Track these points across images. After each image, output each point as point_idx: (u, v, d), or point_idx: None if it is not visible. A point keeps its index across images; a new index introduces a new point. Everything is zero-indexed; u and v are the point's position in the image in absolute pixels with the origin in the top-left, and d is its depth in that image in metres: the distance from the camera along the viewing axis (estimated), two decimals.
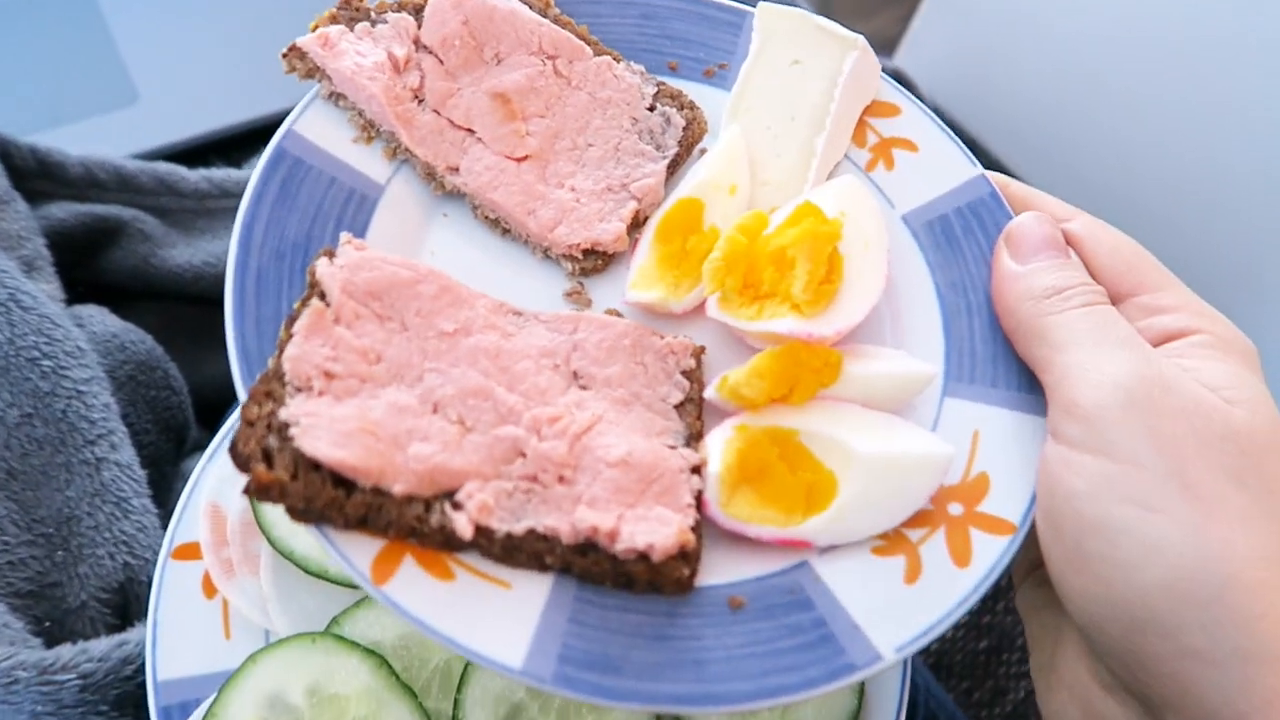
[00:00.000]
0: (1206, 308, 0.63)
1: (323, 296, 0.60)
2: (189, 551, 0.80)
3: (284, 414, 0.54)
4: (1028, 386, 0.66)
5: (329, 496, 0.53)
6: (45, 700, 0.72)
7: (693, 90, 0.77)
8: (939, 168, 0.75)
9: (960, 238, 0.72)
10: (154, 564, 0.83)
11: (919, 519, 0.61)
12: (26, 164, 1.09)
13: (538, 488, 0.57)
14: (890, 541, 0.61)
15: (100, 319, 1.01)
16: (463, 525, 0.54)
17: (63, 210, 1.08)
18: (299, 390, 0.56)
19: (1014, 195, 0.72)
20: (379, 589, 0.53)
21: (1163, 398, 0.56)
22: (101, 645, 0.77)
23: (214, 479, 0.81)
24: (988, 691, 1.20)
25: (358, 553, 0.54)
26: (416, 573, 0.55)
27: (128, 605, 0.88)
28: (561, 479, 0.58)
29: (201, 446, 1.07)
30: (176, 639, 0.77)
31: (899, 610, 0.58)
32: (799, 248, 0.63)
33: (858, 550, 0.60)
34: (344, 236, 0.63)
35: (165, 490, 0.98)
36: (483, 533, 0.55)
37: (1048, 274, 0.65)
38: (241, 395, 0.56)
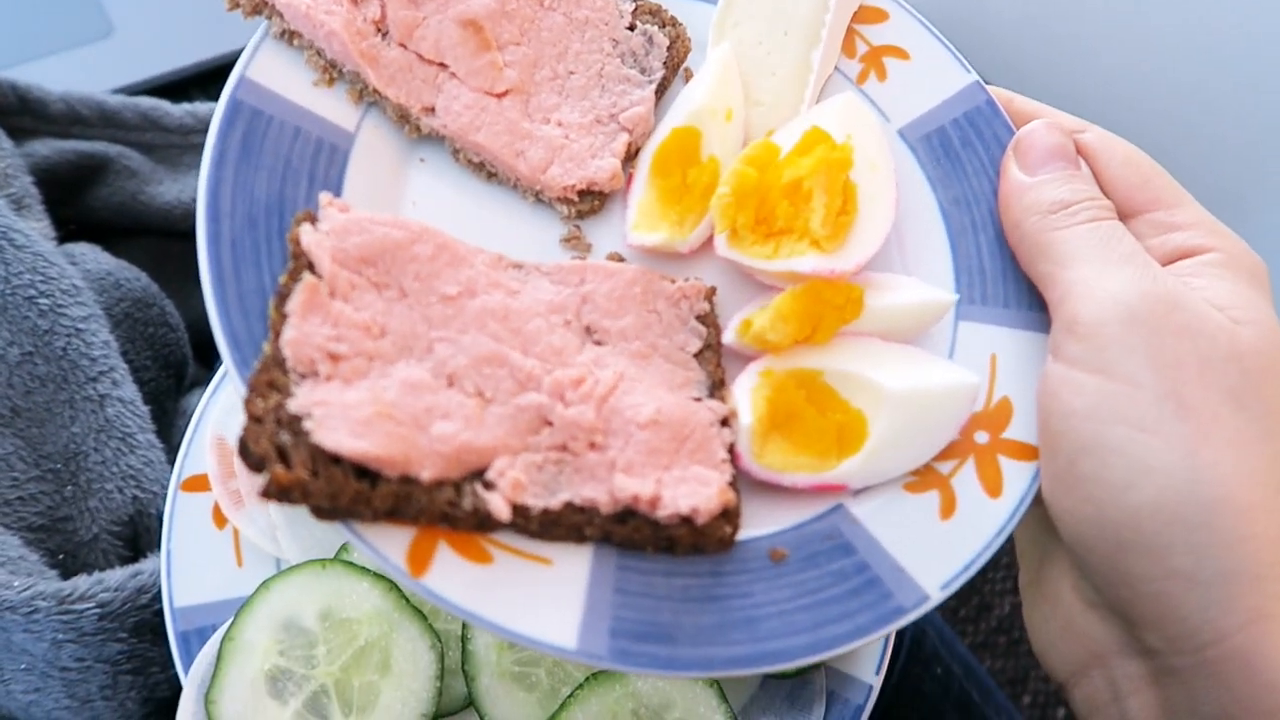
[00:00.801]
0: (1219, 225, 0.62)
1: (311, 268, 0.55)
2: (198, 483, 0.82)
3: (293, 406, 0.50)
4: (1040, 305, 0.65)
5: (354, 491, 0.49)
6: (65, 628, 0.74)
7: (671, 5, 0.71)
8: (933, 77, 0.72)
9: (959, 150, 0.70)
10: (162, 497, 0.87)
11: (948, 451, 0.61)
12: (7, 101, 1.05)
13: (569, 457, 0.54)
14: (921, 477, 0.60)
15: (93, 257, 0.99)
16: (498, 506, 0.51)
17: (46, 147, 1.05)
18: (304, 377, 0.51)
19: (1020, 110, 0.69)
20: (418, 581, 0.50)
21: (1166, 316, 0.56)
22: (117, 575, 0.79)
23: (218, 411, 0.83)
24: (973, 608, 1.25)
25: (390, 546, 0.51)
26: (453, 559, 0.52)
27: (138, 537, 0.90)
28: (593, 445, 0.55)
29: (200, 382, 1.07)
30: (190, 567, 0.79)
31: (939, 547, 0.58)
32: (815, 179, 0.60)
33: (890, 489, 0.60)
34: (324, 197, 0.58)
35: (168, 426, 0.98)
36: (519, 511, 0.52)
37: (1056, 186, 0.63)
38: (239, 387, 0.51)
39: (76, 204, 1.08)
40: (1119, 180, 0.64)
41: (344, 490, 0.49)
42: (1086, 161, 0.66)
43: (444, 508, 0.51)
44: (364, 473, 0.50)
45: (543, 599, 0.52)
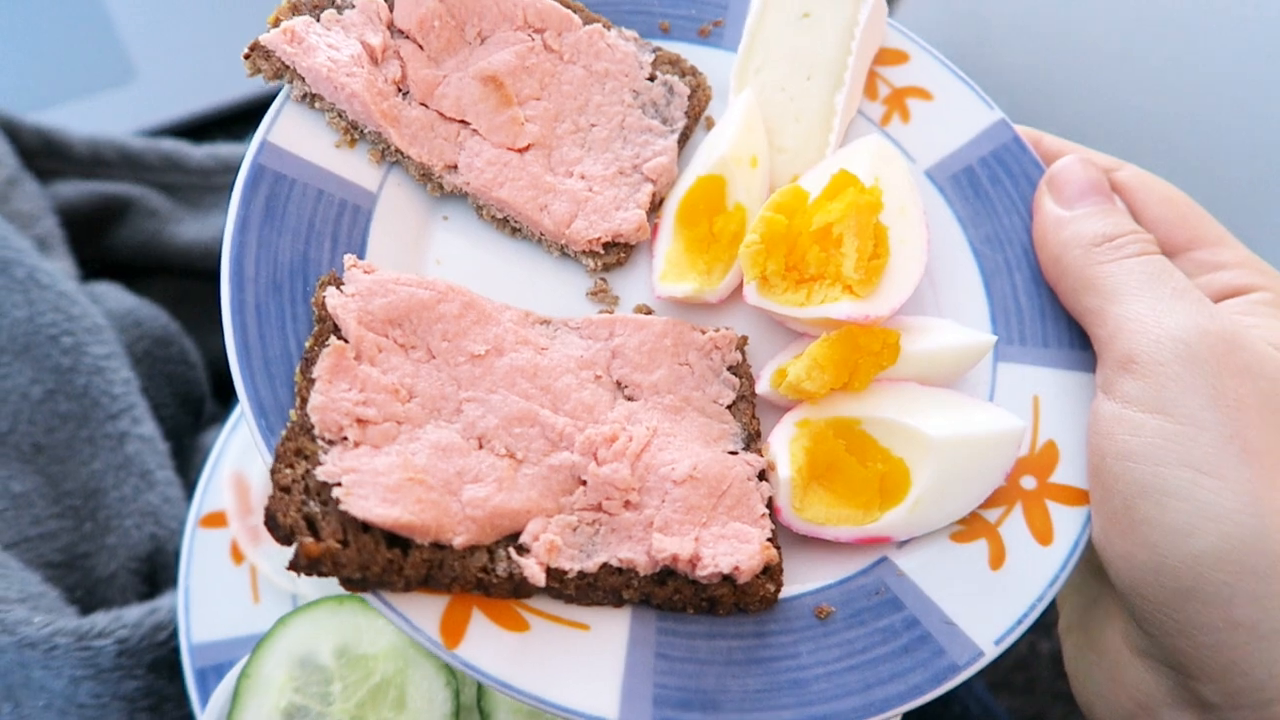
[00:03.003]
0: (1265, 264, 0.61)
1: (337, 331, 0.54)
2: (216, 519, 0.83)
3: (321, 474, 0.48)
4: (1080, 343, 0.63)
5: (385, 560, 0.48)
6: (83, 665, 0.75)
7: (689, 53, 0.71)
8: (957, 116, 0.71)
9: (988, 188, 0.69)
10: (180, 534, 0.87)
11: (994, 498, 0.59)
12: (32, 143, 1.08)
13: (604, 517, 0.53)
14: (968, 526, 0.58)
15: (115, 296, 1.01)
16: (533, 571, 0.50)
17: (71, 189, 1.07)
18: (331, 443, 0.50)
19: (1049, 149, 0.68)
20: (453, 653, 0.49)
21: (1228, 355, 0.54)
22: (135, 612, 0.80)
23: (236, 449, 0.84)
24: None
25: (422, 616, 0.49)
26: (488, 628, 0.50)
27: (155, 574, 0.90)
28: (628, 504, 0.53)
29: (218, 419, 1.08)
30: (207, 604, 0.79)
31: (990, 599, 0.55)
32: (845, 223, 0.59)
33: (937, 539, 0.58)
34: (348, 259, 0.57)
35: (186, 462, 0.99)
36: (555, 575, 0.51)
37: (1096, 220, 0.62)
38: (266, 456, 0.50)
39: (99, 244, 1.10)
40: (1158, 218, 0.63)
41: (375, 559, 0.47)
42: (1123, 199, 0.64)
43: (478, 574, 0.50)
44: (395, 540, 0.49)
45: (582, 668, 0.50)
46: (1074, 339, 0.63)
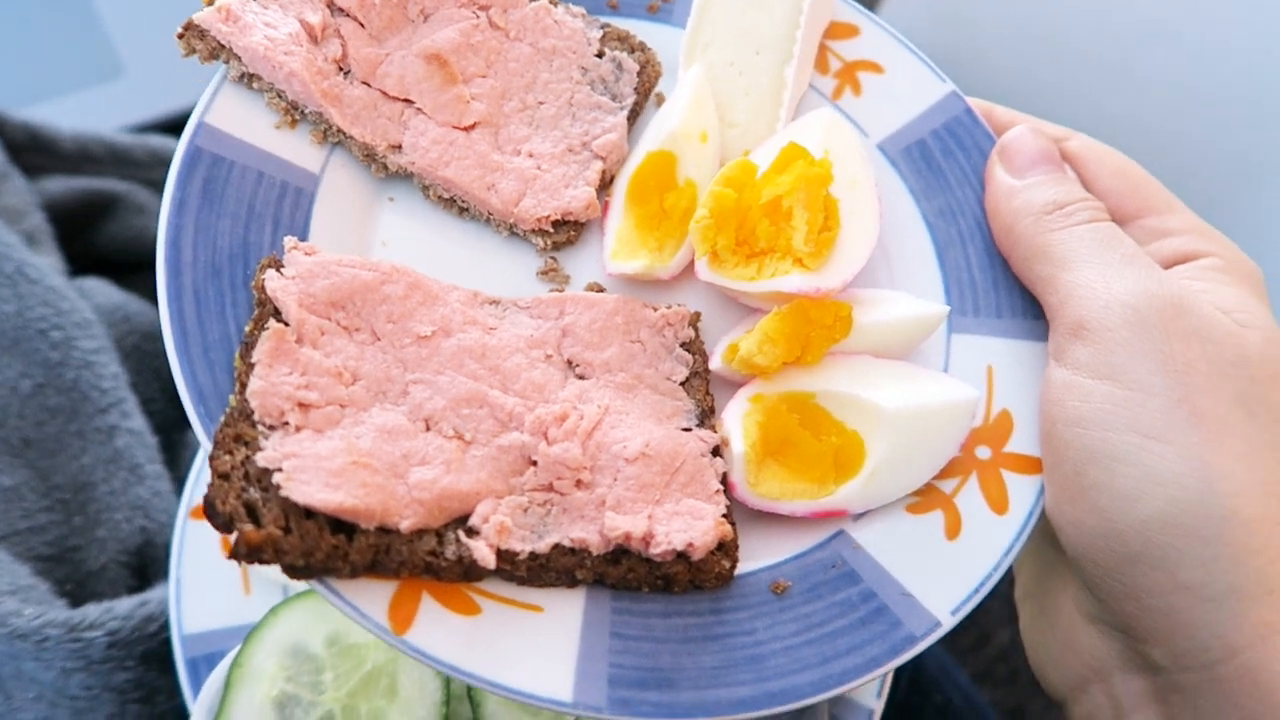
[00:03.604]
0: (1213, 231, 0.61)
1: (278, 315, 0.52)
2: None
3: (262, 459, 0.47)
4: (1034, 313, 0.63)
5: (329, 546, 0.47)
6: (74, 656, 0.75)
7: (638, 30, 0.70)
8: (909, 89, 0.71)
9: (940, 161, 0.69)
10: (170, 527, 0.88)
11: (949, 469, 0.58)
12: (19, 139, 1.07)
13: (556, 497, 0.52)
14: (924, 497, 0.58)
15: (103, 291, 1.01)
16: (483, 553, 0.49)
17: (58, 184, 1.07)
18: (272, 428, 0.49)
19: (1000, 120, 0.68)
20: (401, 639, 0.48)
21: (1175, 319, 0.54)
22: (125, 604, 0.80)
23: None
24: (973, 637, 1.21)
25: (370, 602, 0.48)
26: (439, 612, 0.49)
27: (146, 567, 0.90)
28: (579, 483, 0.53)
29: None
30: (198, 595, 0.79)
31: (946, 569, 0.55)
32: (794, 196, 0.59)
33: (893, 511, 0.57)
34: (288, 241, 0.56)
35: (174, 457, 0.99)
36: (505, 557, 0.50)
37: (1046, 188, 0.62)
38: (205, 442, 0.49)
39: (86, 239, 1.10)
40: (1108, 187, 0.63)
41: (319, 545, 0.46)
42: (1074, 169, 0.64)
43: (426, 558, 0.49)
44: (340, 526, 0.48)
45: (535, 650, 0.49)
46: (1027, 309, 0.63)
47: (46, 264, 0.94)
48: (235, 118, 0.59)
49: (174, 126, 1.24)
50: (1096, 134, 0.68)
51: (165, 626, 0.80)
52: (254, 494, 0.46)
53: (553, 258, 0.63)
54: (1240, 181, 1.34)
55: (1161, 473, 0.51)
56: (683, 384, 0.59)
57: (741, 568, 0.55)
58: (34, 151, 1.09)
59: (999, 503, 0.57)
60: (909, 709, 0.98)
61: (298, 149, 0.61)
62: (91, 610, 0.78)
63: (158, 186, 1.13)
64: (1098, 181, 0.64)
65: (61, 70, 1.28)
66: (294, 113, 0.61)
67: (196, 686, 0.75)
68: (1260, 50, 1.27)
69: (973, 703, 1.02)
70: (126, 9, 1.31)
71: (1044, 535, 0.61)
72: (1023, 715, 1.28)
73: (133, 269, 1.10)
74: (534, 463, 0.52)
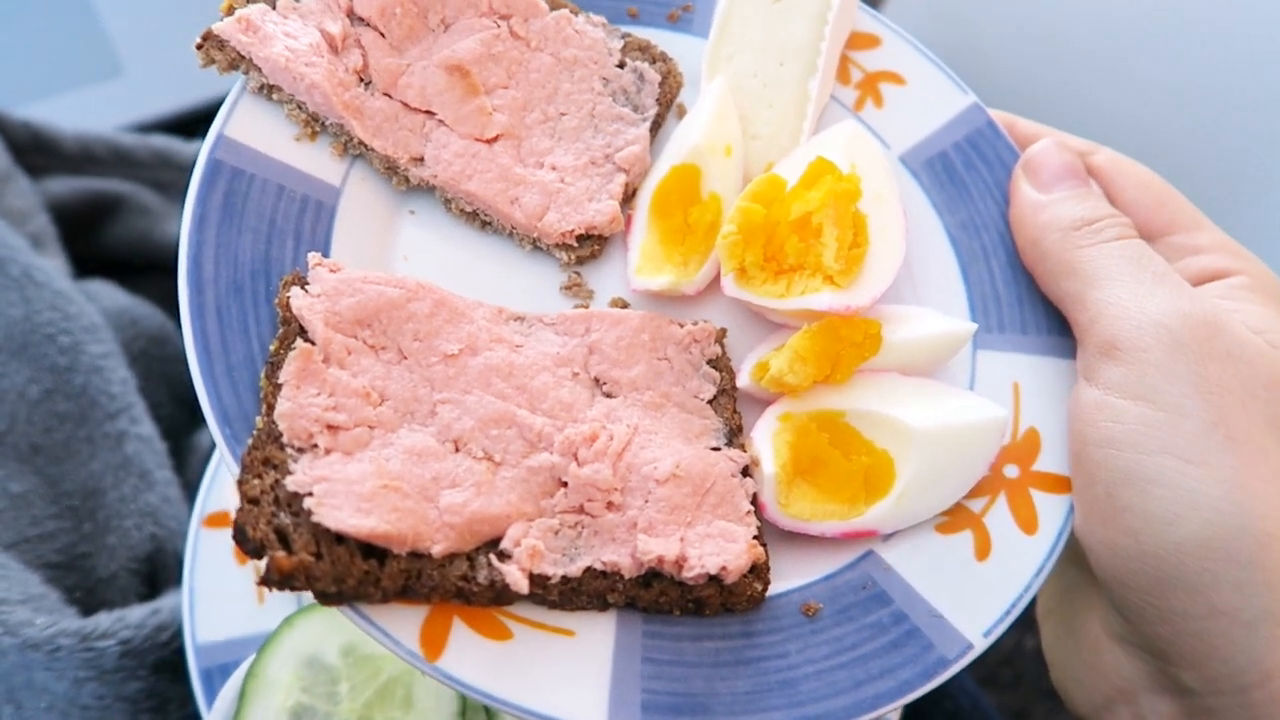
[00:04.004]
0: (1241, 248, 0.61)
1: (304, 333, 0.52)
2: (219, 519, 0.82)
3: (292, 483, 0.46)
4: (1059, 329, 0.63)
5: (361, 571, 0.46)
6: (86, 666, 0.74)
7: (658, 39, 0.69)
8: (930, 100, 0.70)
9: (963, 174, 0.68)
10: (180, 534, 0.86)
11: (978, 488, 0.58)
12: (21, 139, 1.05)
13: (587, 519, 0.51)
14: (953, 517, 0.58)
15: (109, 294, 1.00)
16: (516, 578, 0.48)
17: (61, 185, 1.05)
18: (301, 451, 0.48)
19: (1023, 133, 0.68)
20: (434, 666, 0.47)
21: (1209, 340, 0.54)
22: (138, 613, 0.79)
23: None
24: None
25: (402, 628, 0.47)
26: (470, 638, 0.48)
27: (156, 574, 0.89)
28: (610, 505, 0.52)
29: None
30: (212, 604, 0.79)
31: (977, 590, 0.55)
32: (824, 212, 0.58)
33: (922, 531, 0.57)
34: (313, 258, 0.55)
35: (182, 462, 0.98)
36: (538, 581, 0.49)
37: (1073, 203, 0.61)
38: (232, 467, 0.48)
39: (91, 241, 1.08)
40: (1135, 203, 0.63)
41: (351, 571, 0.46)
42: (1099, 184, 0.64)
43: (458, 583, 0.48)
44: (371, 551, 0.47)
45: (568, 676, 0.49)
46: (1052, 325, 0.63)
47: (53, 266, 0.93)
48: (255, 130, 0.58)
49: (173, 125, 1.22)
50: (1097, 133, 0.67)
51: (177, 635, 0.79)
52: (285, 519, 0.46)
53: (576, 272, 0.62)
54: (1242, 181, 1.34)
55: (1197, 496, 0.50)
56: (710, 402, 0.58)
57: (772, 589, 0.54)
58: (36, 152, 1.07)
59: (1028, 523, 0.57)
60: (919, 714, 0.98)
61: (318, 162, 0.60)
62: (103, 619, 0.77)
63: (162, 187, 1.11)
64: (1122, 195, 0.63)
65: (59, 68, 1.26)
66: (314, 125, 0.60)
67: (211, 697, 0.75)
68: (1262, 48, 1.27)
69: (980, 707, 1.02)
70: (125, 7, 1.30)
71: (1068, 554, 0.60)
72: (1028, 719, 1.29)
73: (138, 271, 1.08)
74: (564, 484, 0.52)
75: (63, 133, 1.08)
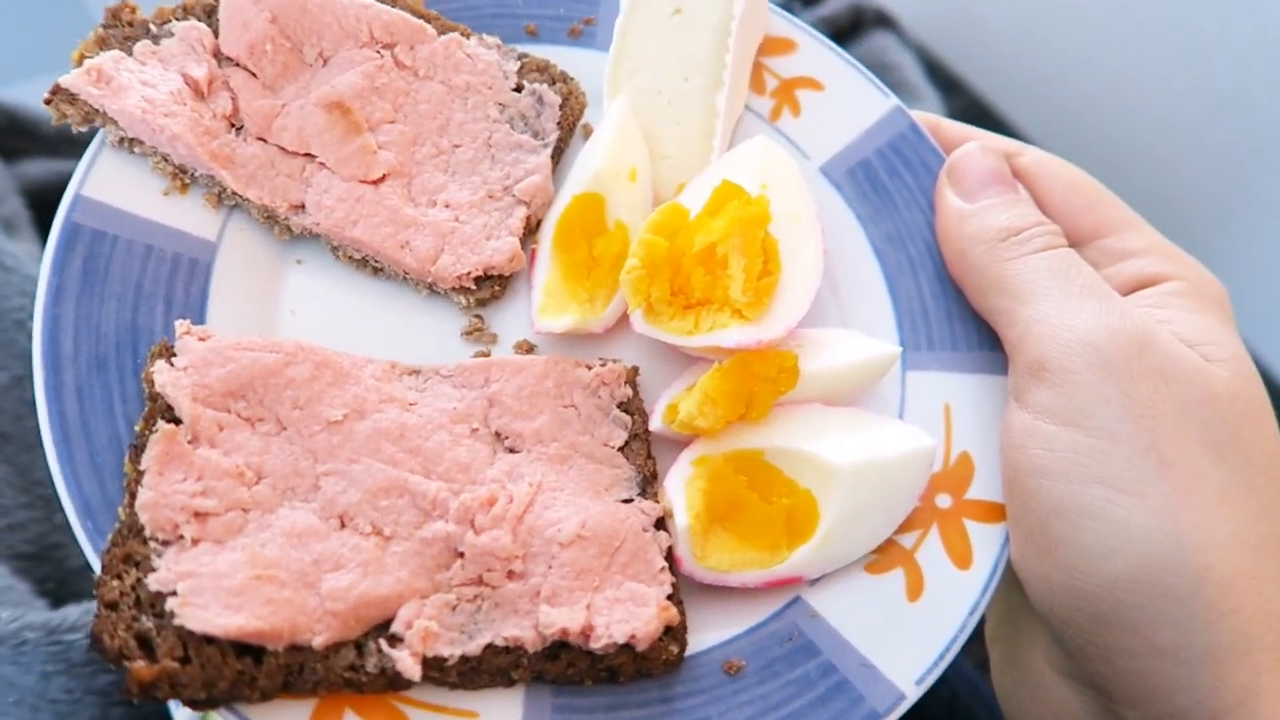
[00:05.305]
0: (1174, 249, 0.57)
1: (170, 411, 0.48)
2: None
3: (154, 582, 0.43)
4: (990, 344, 0.60)
5: (234, 672, 0.43)
6: (54, 660, 0.72)
7: (560, 56, 0.66)
8: (850, 106, 0.67)
9: (886, 182, 0.65)
10: None
11: (908, 521, 0.55)
12: None
13: (486, 591, 0.48)
14: (884, 554, 0.55)
15: None
16: (407, 664, 0.45)
17: (38, 168, 1.02)
18: (166, 544, 0.45)
19: (950, 136, 0.64)
20: None
21: (1139, 358, 0.51)
22: None
23: None
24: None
25: None
26: None
27: None
28: (511, 574, 0.49)
29: None
30: None
31: (909, 635, 0.52)
32: (729, 242, 0.55)
33: (852, 571, 0.54)
34: (179, 325, 0.51)
35: None
36: (433, 664, 0.46)
37: (999, 212, 0.58)
38: (94, 563, 0.45)
39: None
40: (1064, 205, 0.59)
41: (223, 674, 0.42)
42: (1026, 187, 0.61)
43: (345, 674, 0.45)
44: (245, 648, 0.43)
45: None
46: (983, 340, 0.60)
47: (24, 251, 0.90)
48: (117, 187, 0.55)
49: None
50: (1096, 131, 0.64)
51: None
52: (146, 623, 0.42)
53: (478, 315, 0.59)
54: (1243, 175, 1.31)
55: (1130, 528, 0.48)
56: (621, 449, 0.55)
57: (692, 647, 0.51)
58: (13, 135, 1.03)
59: (962, 557, 0.54)
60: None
61: (190, 216, 0.56)
62: (71, 612, 0.74)
63: None
64: (1050, 197, 0.60)
65: (40, 48, 1.19)
66: (184, 176, 0.56)
67: None
68: (1263, 46, 1.24)
69: (978, 691, 1.00)
70: None
71: (1012, 579, 0.58)
72: None
73: None
74: (461, 554, 0.49)
75: (41, 115, 1.04)
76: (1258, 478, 0.49)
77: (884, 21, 1.23)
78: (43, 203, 1.00)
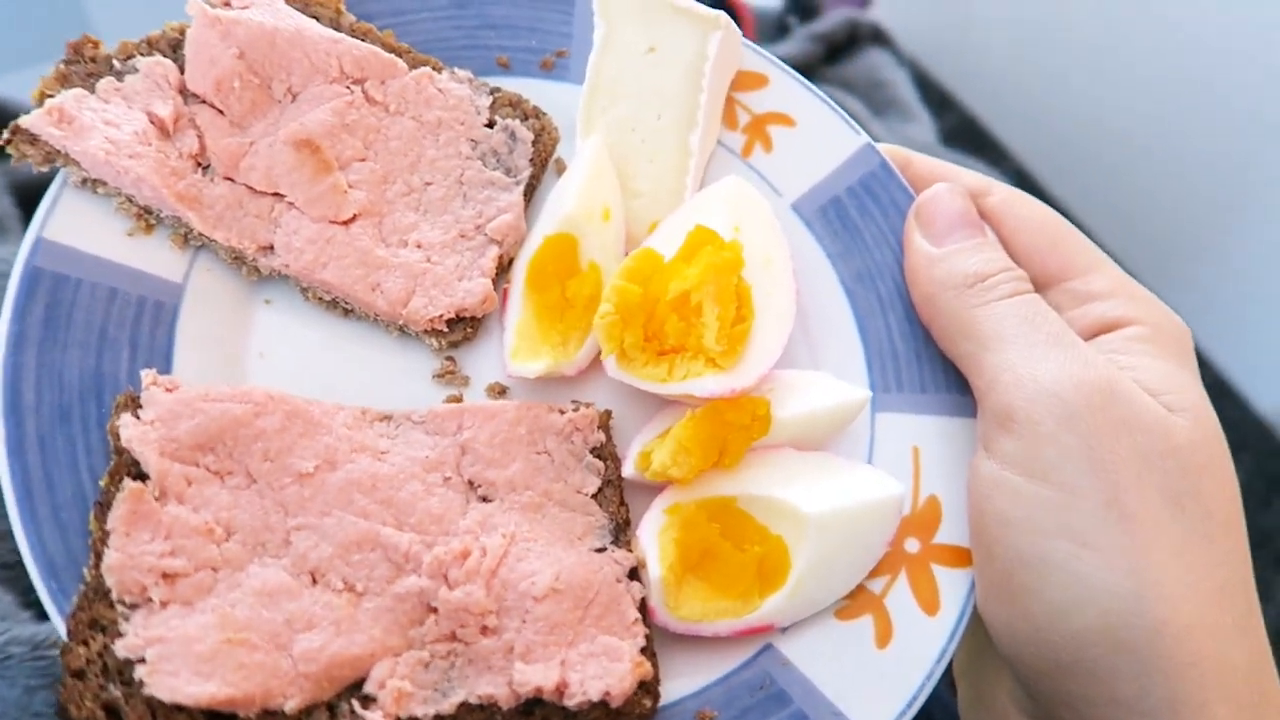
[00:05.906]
0: (1139, 290, 0.58)
1: (136, 466, 0.47)
2: None
3: (122, 648, 0.42)
4: (958, 387, 0.60)
5: None
6: (39, 674, 0.69)
7: (533, 90, 0.65)
8: (821, 142, 0.67)
9: (857, 220, 0.65)
10: None
11: (878, 566, 0.56)
12: None
13: (460, 647, 0.48)
14: (853, 601, 0.55)
15: None
16: None
17: (27, 166, 0.96)
18: (134, 607, 0.44)
19: (919, 173, 0.65)
20: None
21: (1103, 410, 0.51)
22: None
23: None
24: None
25: None
26: None
27: None
28: (485, 629, 0.49)
29: None
30: None
31: (878, 682, 0.53)
32: (704, 289, 0.55)
33: (822, 618, 0.55)
34: (146, 376, 0.50)
35: None
36: None
37: (967, 256, 0.59)
38: (59, 626, 0.44)
39: None
40: (1030, 247, 0.60)
41: None
42: (993, 228, 0.61)
43: None
44: (216, 715, 0.43)
45: None
46: (950, 382, 0.61)
47: (12, 252, 0.88)
48: (80, 229, 0.53)
49: None
50: (1084, 149, 0.64)
51: None
52: (114, 691, 0.42)
53: (450, 358, 0.59)
54: (1229, 193, 1.33)
55: (1093, 583, 0.49)
56: (594, 496, 0.55)
57: (664, 698, 0.51)
58: (1, 129, 1.01)
59: (930, 603, 0.55)
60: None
61: (156, 257, 0.55)
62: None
63: None
64: (1017, 239, 0.61)
65: (31, 39, 1.20)
66: (149, 217, 0.55)
67: None
68: (1252, 67, 1.26)
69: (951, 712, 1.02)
70: None
71: (979, 620, 0.59)
72: None
73: None
74: (434, 610, 0.48)
75: (30, 108, 1.02)
76: (1216, 530, 0.51)
77: (879, 38, 1.24)
78: (32, 201, 0.96)
